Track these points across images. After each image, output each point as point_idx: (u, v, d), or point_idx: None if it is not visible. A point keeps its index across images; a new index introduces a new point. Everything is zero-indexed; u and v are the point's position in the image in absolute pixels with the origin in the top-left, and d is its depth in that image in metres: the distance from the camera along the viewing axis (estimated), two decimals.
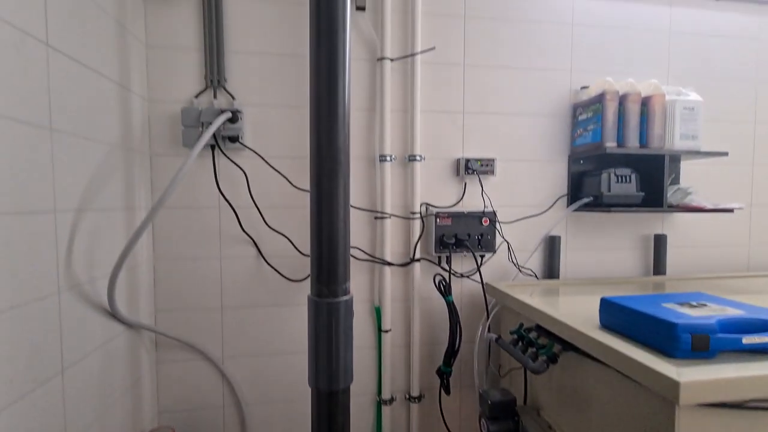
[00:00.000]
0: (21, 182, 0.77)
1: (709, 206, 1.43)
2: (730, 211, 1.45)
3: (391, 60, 1.43)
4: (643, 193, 1.48)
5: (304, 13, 1.38)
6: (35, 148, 0.81)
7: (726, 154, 1.50)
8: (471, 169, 1.48)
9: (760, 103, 1.74)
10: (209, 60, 1.33)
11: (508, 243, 1.56)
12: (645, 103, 1.46)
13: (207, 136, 1.17)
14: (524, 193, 1.57)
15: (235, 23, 1.36)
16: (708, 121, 1.62)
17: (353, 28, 1.43)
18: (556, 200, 1.59)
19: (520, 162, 1.56)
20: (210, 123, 1.25)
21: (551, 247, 1.59)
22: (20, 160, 0.76)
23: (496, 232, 1.51)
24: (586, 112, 1.50)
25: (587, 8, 1.58)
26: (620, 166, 1.50)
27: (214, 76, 1.33)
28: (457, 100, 1.51)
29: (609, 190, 1.46)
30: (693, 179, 1.66)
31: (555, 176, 1.59)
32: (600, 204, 1.47)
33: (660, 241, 1.64)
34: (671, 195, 1.51)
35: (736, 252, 1.77)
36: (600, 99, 1.43)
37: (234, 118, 1.29)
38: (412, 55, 1.42)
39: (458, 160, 1.51)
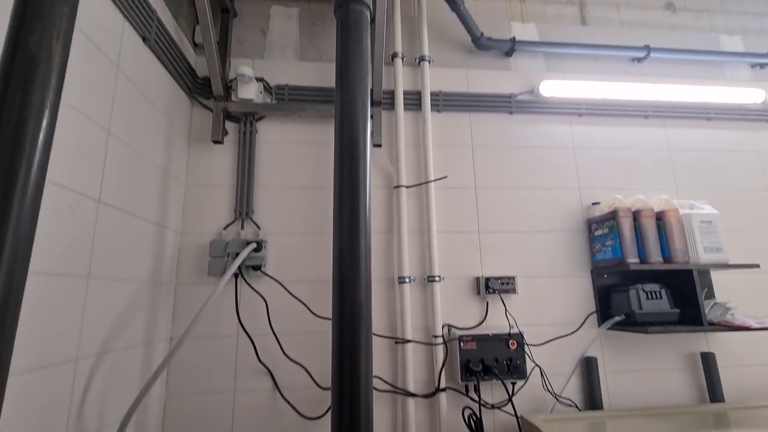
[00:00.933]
0: (49, 335, 0.78)
1: (755, 325, 1.33)
2: None
3: (407, 187, 1.53)
4: (678, 310, 1.40)
5: (325, 151, 1.54)
6: (71, 298, 0.84)
7: (758, 266, 1.44)
8: (491, 288, 1.46)
9: None
10: (239, 195, 1.45)
11: (540, 368, 1.44)
12: (660, 218, 1.47)
13: (233, 269, 1.21)
14: (550, 311, 1.51)
15: (265, 161, 1.51)
16: (730, 231, 1.61)
17: (372, 161, 1.57)
18: (586, 318, 1.52)
19: (542, 278, 1.54)
20: (237, 254, 1.31)
21: (588, 370, 1.46)
22: (55, 313, 0.79)
23: (526, 355, 1.41)
24: (602, 228, 1.52)
25: (585, 133, 1.71)
26: (647, 281, 1.45)
27: (243, 209, 1.44)
28: (471, 220, 1.56)
29: (641, 308, 1.39)
30: (728, 290, 1.58)
31: (580, 292, 1.54)
32: (634, 323, 1.39)
33: (708, 361, 1.49)
34: (709, 311, 1.42)
35: None
36: (613, 216, 1.46)
37: (258, 247, 1.35)
38: (426, 182, 1.53)
39: (477, 279, 1.50)
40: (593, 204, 1.61)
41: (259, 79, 1.52)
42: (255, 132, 1.52)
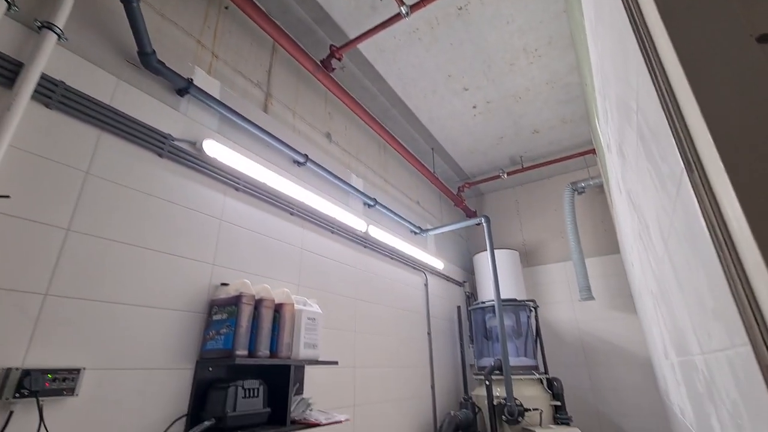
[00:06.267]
0: None
1: (324, 420, 1.47)
2: (340, 422, 1.54)
3: None
4: (269, 409, 1.36)
5: None
6: None
7: (336, 363, 1.67)
8: (28, 388, 0.91)
9: (357, 317, 2.21)
10: None
11: None
12: (278, 310, 1.49)
13: None
14: (123, 421, 1.10)
15: None
16: (325, 328, 1.85)
17: None
18: (172, 424, 1.21)
19: (130, 372, 1.14)
20: None
21: None
22: None
23: None
24: (222, 312, 1.36)
25: (236, 209, 1.63)
26: (251, 376, 1.36)
27: None
28: (39, 273, 1.01)
29: (234, 409, 1.24)
30: (316, 384, 1.74)
31: (177, 390, 1.25)
32: (224, 428, 1.21)
33: None
34: (294, 408, 1.47)
35: None
36: (237, 301, 1.34)
37: None
38: None
39: (8, 372, 0.92)
40: (222, 284, 1.47)
41: None
42: None
